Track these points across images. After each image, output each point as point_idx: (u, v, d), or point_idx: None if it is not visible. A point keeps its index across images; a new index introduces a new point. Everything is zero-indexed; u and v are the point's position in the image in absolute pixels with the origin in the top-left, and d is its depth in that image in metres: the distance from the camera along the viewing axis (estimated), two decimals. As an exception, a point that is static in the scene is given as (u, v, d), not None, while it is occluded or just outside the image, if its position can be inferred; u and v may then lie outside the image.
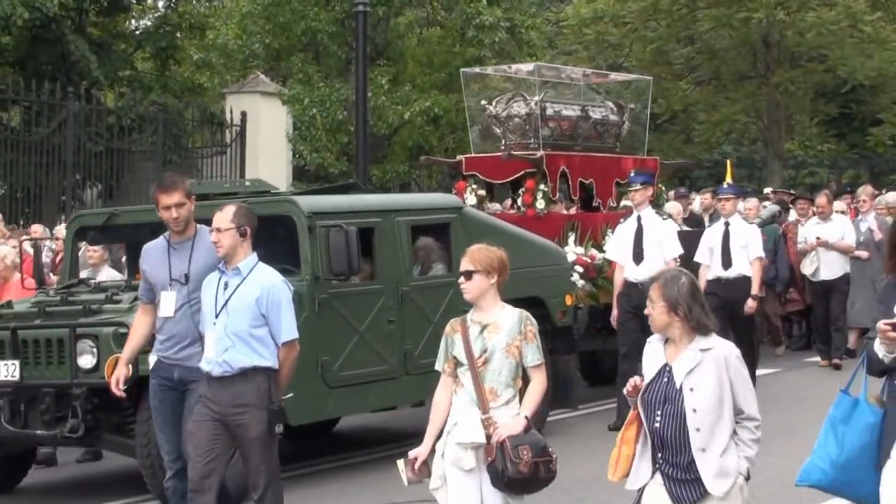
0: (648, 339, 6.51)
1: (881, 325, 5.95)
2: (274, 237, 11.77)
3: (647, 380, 6.36)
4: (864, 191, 19.95)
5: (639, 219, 14.48)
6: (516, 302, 12.46)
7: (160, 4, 31.17)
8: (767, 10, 34.55)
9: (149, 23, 30.82)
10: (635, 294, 13.55)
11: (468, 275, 7.38)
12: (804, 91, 38.01)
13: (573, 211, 16.71)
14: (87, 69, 24.52)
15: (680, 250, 14.60)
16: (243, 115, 25.87)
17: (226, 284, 8.39)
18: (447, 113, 27.59)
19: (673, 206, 19.18)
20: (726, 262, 15.24)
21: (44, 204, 21.20)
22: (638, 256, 14.26)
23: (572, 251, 15.51)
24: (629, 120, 18.27)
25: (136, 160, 24.54)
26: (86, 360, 10.63)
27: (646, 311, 6.40)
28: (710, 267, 15.29)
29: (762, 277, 16.21)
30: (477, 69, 22.93)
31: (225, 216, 8.39)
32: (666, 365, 6.30)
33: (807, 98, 38.55)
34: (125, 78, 27.17)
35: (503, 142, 16.89)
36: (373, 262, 12.20)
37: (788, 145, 41.00)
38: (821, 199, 18.78)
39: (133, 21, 31.04)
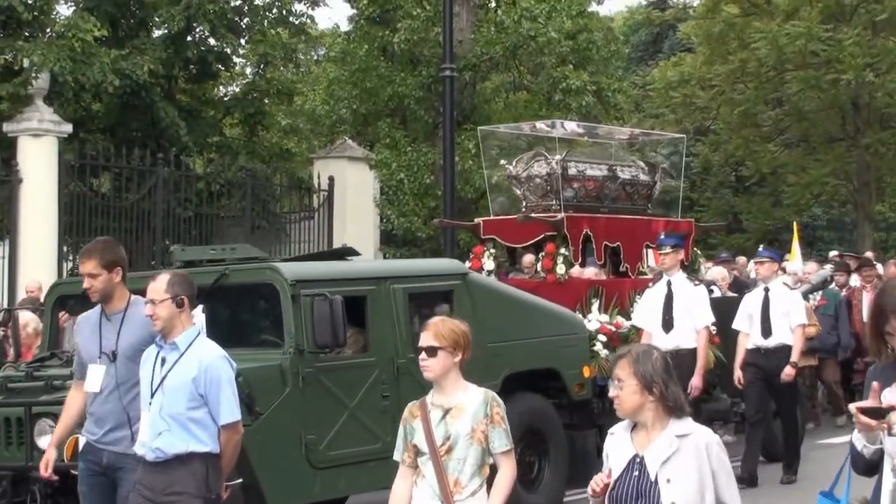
0: (610, 430, 5.77)
1: (853, 407, 5.15)
2: (258, 307, 11.37)
3: (614, 475, 5.60)
4: None
5: (669, 284, 13.73)
6: (531, 374, 12.26)
7: (248, 71, 31.41)
8: (856, 72, 34.27)
9: (237, 89, 30.97)
10: None
11: (431, 351, 6.54)
12: (895, 153, 37.62)
13: (602, 276, 15.51)
14: (176, 135, 24.65)
15: (711, 318, 13.73)
16: (331, 179, 25.92)
17: (163, 360, 7.67)
18: (534, 177, 27.57)
19: (717, 272, 18.36)
20: (766, 331, 13.93)
21: (134, 269, 21.22)
22: (668, 324, 13.50)
23: (596, 319, 14.41)
24: (661, 180, 17.09)
25: (224, 225, 24.61)
26: (45, 441, 9.65)
27: (610, 394, 5.66)
28: (750, 335, 14.03)
29: (806, 344, 14.74)
30: (500, 126, 21.81)
31: (159, 286, 7.66)
32: (636, 455, 5.58)
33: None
34: (214, 144, 27.30)
35: (524, 203, 15.85)
36: (366, 332, 11.24)
37: (879, 207, 40.60)
38: (891, 269, 17.64)
39: (221, 87, 31.28)
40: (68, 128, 21.28)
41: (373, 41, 28.35)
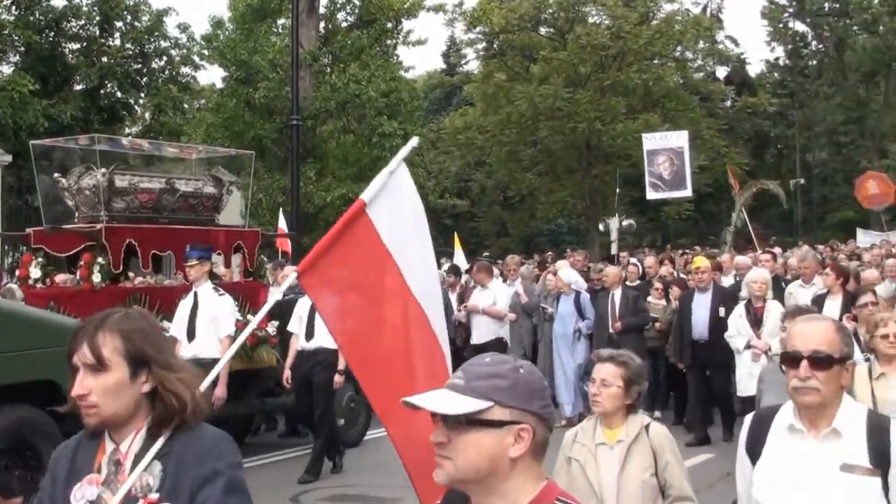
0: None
1: None
2: None
3: None
4: (512, 260, 16.15)
5: (195, 295, 10.33)
6: (27, 386, 8.56)
7: (147, 116, 30.83)
8: (589, 122, 35.19)
9: (138, 129, 30.47)
10: None
11: None
12: (615, 179, 38.59)
13: (140, 282, 12.01)
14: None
15: (232, 329, 10.25)
16: (208, 198, 25.75)
17: None
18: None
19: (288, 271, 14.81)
20: (309, 334, 10.75)
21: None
22: (191, 333, 10.15)
23: None
24: (229, 192, 13.61)
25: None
26: None
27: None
28: (298, 337, 10.91)
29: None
30: (47, 141, 15.80)
31: None
32: None
33: (617, 185, 39.12)
34: (120, 170, 26.92)
35: (76, 214, 12.08)
36: None
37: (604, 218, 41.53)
38: (479, 275, 14.51)
39: (126, 129, 30.67)
40: (8, 158, 20.80)
41: (240, 96, 28.13)
